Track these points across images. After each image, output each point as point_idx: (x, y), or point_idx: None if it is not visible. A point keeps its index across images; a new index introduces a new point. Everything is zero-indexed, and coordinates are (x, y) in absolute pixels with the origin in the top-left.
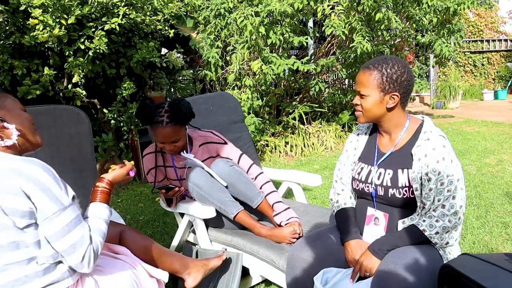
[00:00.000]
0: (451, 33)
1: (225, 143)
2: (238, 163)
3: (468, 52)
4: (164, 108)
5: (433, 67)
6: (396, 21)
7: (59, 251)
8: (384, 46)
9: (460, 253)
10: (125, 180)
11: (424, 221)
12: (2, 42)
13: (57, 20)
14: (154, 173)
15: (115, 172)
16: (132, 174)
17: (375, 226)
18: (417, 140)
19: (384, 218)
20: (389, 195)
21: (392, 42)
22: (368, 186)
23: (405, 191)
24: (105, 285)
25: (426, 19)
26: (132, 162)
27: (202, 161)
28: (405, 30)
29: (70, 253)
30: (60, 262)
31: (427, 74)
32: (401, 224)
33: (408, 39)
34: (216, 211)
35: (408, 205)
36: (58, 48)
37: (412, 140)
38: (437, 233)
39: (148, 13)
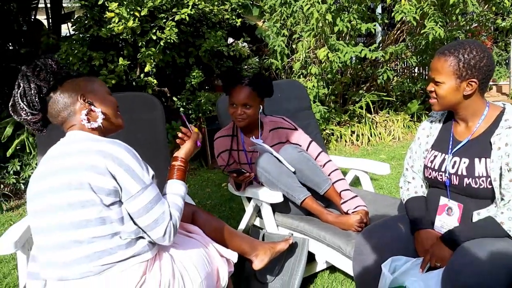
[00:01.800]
0: None
1: (296, 129)
2: (307, 150)
3: None
4: (248, 77)
5: None
6: (473, 4)
7: (142, 227)
8: (458, 31)
9: None
10: (195, 151)
11: (502, 213)
12: (82, 35)
13: (131, 12)
14: (226, 156)
15: (185, 147)
16: (199, 144)
17: (448, 216)
18: (497, 128)
19: (458, 209)
20: (464, 185)
21: (468, 27)
22: (441, 175)
23: (482, 181)
24: (179, 259)
25: (508, 0)
26: (196, 129)
27: (272, 146)
28: (483, 13)
29: (153, 227)
30: (141, 237)
31: (507, 61)
32: (476, 216)
33: (486, 24)
34: (283, 196)
35: (484, 196)
36: (132, 39)
37: (492, 128)
38: None
39: (216, 3)
